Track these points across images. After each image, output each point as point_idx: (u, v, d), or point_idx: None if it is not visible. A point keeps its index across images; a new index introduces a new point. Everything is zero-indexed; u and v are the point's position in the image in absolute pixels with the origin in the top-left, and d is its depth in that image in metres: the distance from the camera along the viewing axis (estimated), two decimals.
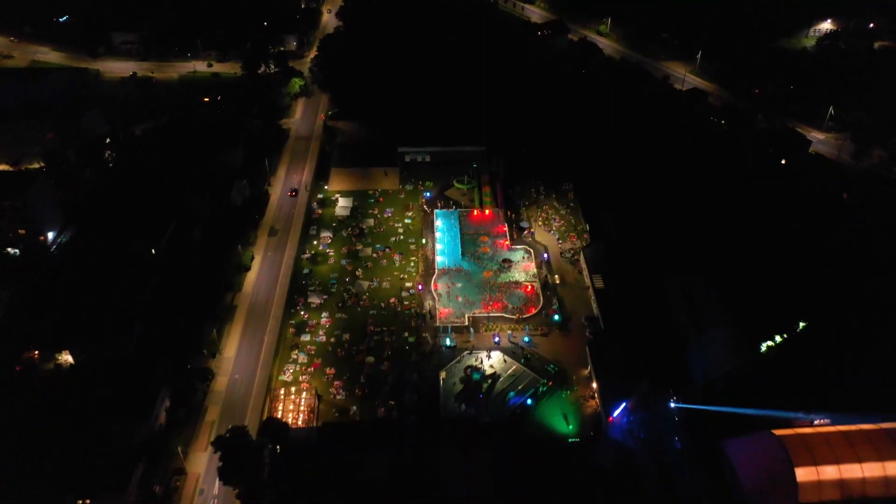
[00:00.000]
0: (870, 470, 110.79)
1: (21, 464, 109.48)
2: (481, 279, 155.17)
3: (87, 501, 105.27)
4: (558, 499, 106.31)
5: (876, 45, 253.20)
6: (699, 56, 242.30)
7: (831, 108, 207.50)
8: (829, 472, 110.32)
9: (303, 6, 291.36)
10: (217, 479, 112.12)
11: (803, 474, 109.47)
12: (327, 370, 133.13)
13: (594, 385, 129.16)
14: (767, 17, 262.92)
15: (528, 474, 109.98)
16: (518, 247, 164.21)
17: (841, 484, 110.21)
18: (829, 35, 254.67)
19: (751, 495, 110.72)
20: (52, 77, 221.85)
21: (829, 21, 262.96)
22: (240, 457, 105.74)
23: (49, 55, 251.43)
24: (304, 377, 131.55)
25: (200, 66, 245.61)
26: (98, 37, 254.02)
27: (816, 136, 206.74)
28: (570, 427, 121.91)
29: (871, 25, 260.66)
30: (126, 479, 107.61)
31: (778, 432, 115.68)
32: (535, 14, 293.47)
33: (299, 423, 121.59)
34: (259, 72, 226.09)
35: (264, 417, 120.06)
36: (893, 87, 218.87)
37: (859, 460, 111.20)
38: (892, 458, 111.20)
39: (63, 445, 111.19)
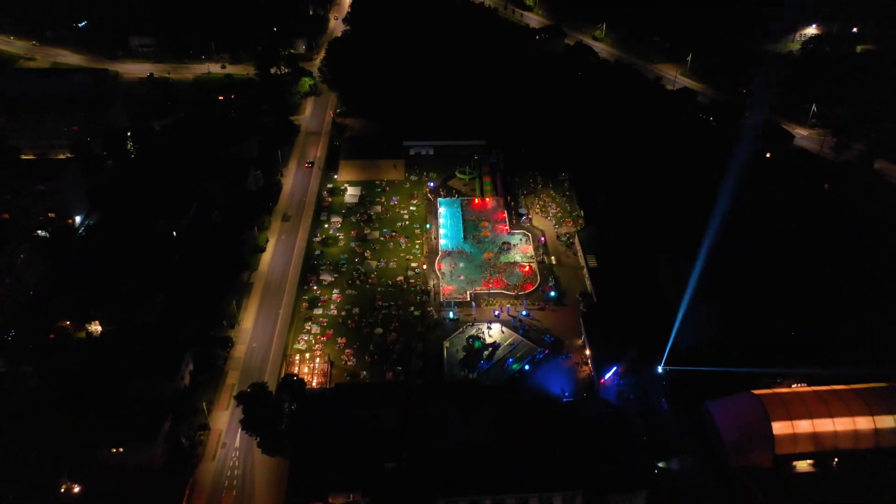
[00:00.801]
0: (841, 424, 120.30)
1: (59, 417, 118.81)
2: (482, 260, 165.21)
3: (120, 450, 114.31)
4: (552, 448, 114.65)
5: (859, 48, 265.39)
6: (689, 58, 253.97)
7: (814, 105, 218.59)
8: (804, 426, 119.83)
9: (311, 13, 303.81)
10: (238, 434, 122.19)
11: (779, 428, 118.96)
12: (339, 340, 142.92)
13: (587, 352, 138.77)
14: (755, 22, 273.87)
15: (524, 427, 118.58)
16: (517, 231, 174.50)
17: (814, 437, 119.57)
18: (813, 39, 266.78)
19: (731, 449, 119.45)
20: (72, 76, 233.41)
21: (814, 26, 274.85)
22: (261, 409, 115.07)
23: (69, 58, 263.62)
24: (317, 346, 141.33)
25: (214, 68, 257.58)
26: (116, 40, 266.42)
27: (800, 133, 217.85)
28: (565, 389, 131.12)
29: (855, 30, 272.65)
30: (155, 430, 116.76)
31: (757, 392, 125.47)
32: (534, 20, 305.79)
33: (313, 385, 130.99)
34: (271, 72, 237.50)
35: (281, 377, 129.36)
36: (874, 87, 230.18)
37: (831, 416, 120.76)
38: (862, 414, 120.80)
39: (97, 401, 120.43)
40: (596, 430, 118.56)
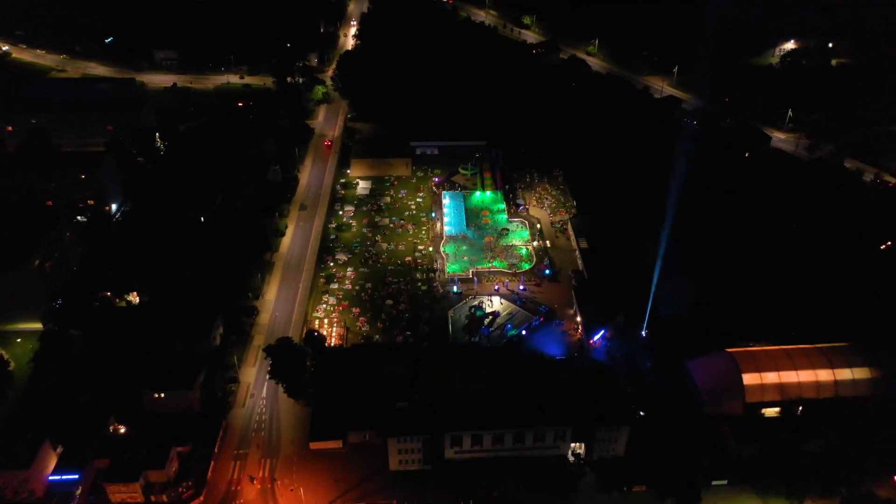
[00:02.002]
0: (804, 376, 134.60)
1: (106, 369, 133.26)
2: (482, 244, 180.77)
3: (162, 395, 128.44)
4: (546, 395, 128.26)
5: (834, 62, 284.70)
6: (675, 70, 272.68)
7: (790, 111, 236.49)
8: (771, 377, 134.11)
9: (322, 30, 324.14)
10: (265, 385, 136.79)
11: (749, 379, 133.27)
12: (353, 309, 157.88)
13: (578, 319, 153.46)
14: (737, 37, 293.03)
15: (522, 379, 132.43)
16: (515, 219, 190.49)
17: (780, 387, 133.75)
18: (791, 53, 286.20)
19: (707, 399, 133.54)
20: (101, 84, 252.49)
21: (792, 41, 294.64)
22: (287, 359, 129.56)
23: (98, 69, 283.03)
24: (334, 314, 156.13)
25: (233, 79, 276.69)
26: (141, 54, 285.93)
27: (778, 136, 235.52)
28: (557, 350, 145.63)
29: (831, 45, 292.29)
30: (192, 380, 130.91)
31: (730, 350, 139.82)
32: (531, 37, 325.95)
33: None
34: (288, 80, 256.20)
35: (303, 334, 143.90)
36: (847, 95, 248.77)
37: (796, 369, 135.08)
38: (823, 367, 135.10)
39: (141, 356, 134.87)
40: (586, 380, 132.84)
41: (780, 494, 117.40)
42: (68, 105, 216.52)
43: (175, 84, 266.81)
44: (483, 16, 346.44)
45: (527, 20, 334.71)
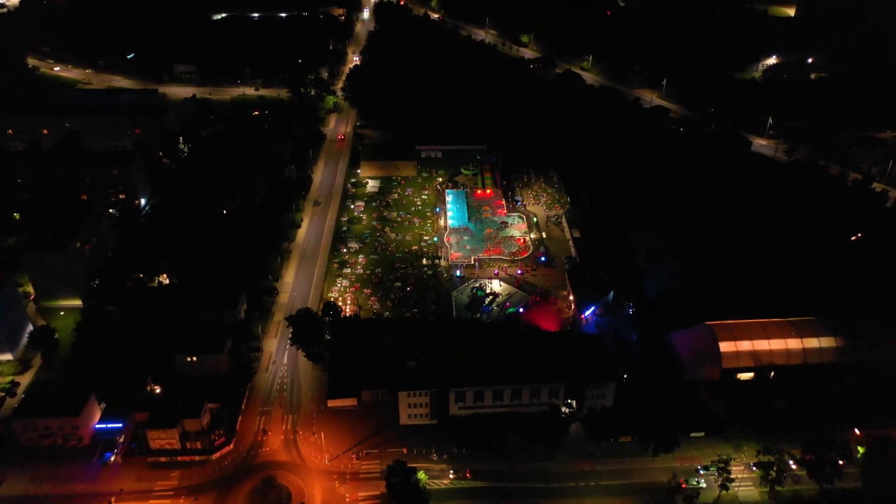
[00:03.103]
0: (775, 345, 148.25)
1: (144, 338, 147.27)
2: (484, 236, 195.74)
3: (194, 359, 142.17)
4: (541, 359, 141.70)
5: (813, 75, 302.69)
6: (664, 83, 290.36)
7: (770, 118, 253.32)
8: (745, 345, 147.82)
9: (331, 47, 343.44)
10: (286, 354, 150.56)
11: (725, 346, 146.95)
12: (364, 290, 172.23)
13: (571, 298, 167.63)
14: (723, 53, 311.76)
15: (519, 347, 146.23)
16: (513, 213, 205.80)
17: (754, 354, 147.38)
18: (773, 67, 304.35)
19: (687, 365, 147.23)
20: (125, 95, 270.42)
21: (774, 57, 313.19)
22: (306, 327, 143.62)
23: (122, 82, 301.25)
24: (347, 294, 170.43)
25: (248, 91, 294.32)
26: (162, 68, 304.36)
27: (759, 142, 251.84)
28: (552, 325, 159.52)
29: (810, 60, 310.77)
30: (221, 345, 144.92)
31: (709, 323, 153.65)
32: (529, 54, 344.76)
33: None
34: (301, 91, 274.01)
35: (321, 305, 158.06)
36: (824, 106, 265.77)
37: (768, 338, 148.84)
38: (793, 337, 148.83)
39: (173, 327, 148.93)
40: (577, 347, 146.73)
41: (749, 443, 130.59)
42: (98, 111, 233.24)
43: (195, 95, 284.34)
44: (483, 34, 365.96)
45: (525, 38, 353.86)
